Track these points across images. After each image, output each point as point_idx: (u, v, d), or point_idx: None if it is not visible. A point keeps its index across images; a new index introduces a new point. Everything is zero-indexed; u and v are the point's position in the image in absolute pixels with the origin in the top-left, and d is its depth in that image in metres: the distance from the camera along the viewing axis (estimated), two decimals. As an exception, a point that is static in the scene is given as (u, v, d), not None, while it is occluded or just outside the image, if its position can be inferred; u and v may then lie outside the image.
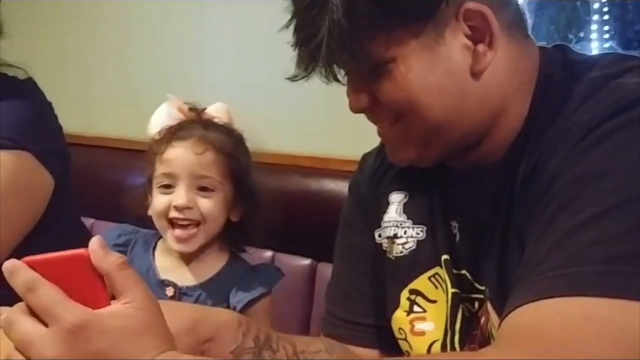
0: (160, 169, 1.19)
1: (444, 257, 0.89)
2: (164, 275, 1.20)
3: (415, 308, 0.91)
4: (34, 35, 2.11)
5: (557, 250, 0.66)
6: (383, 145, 0.94)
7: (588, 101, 0.74)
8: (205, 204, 1.17)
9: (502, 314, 0.69)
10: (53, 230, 1.28)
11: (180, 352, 0.65)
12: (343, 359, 0.96)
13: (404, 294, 0.92)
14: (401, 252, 0.93)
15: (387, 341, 0.95)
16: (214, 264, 1.22)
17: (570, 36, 1.60)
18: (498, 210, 0.82)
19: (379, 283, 0.96)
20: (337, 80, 0.82)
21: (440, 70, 0.79)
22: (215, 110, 1.25)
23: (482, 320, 0.86)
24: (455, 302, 0.88)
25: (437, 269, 0.90)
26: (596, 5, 1.57)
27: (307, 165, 1.62)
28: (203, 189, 1.17)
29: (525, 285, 0.66)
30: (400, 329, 0.92)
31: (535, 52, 0.85)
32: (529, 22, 1.48)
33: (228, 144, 1.20)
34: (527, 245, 0.72)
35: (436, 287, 0.90)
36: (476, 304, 0.87)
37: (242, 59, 1.86)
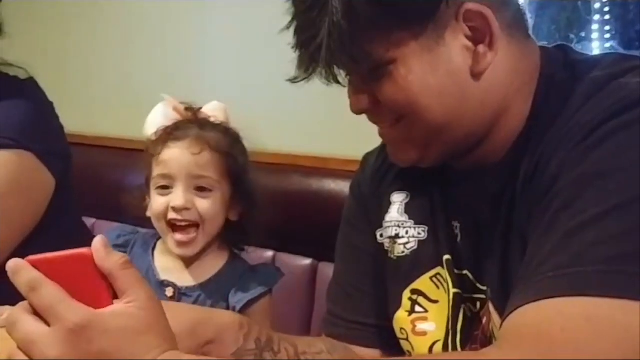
0: (157, 171, 1.18)
1: (446, 257, 0.89)
2: (163, 275, 1.20)
3: (417, 308, 0.91)
4: (34, 35, 2.11)
5: (558, 250, 0.66)
6: (384, 145, 0.94)
7: (590, 101, 0.74)
8: (204, 204, 1.16)
9: (503, 314, 0.69)
10: (54, 230, 1.28)
11: (182, 352, 0.65)
12: (344, 359, 0.96)
13: (406, 294, 0.92)
14: (403, 252, 0.93)
15: (389, 341, 0.95)
16: (214, 264, 1.22)
17: (572, 36, 1.60)
18: (499, 210, 0.82)
19: (380, 283, 0.96)
20: (338, 82, 0.82)
21: (441, 72, 0.79)
22: (212, 110, 1.24)
23: (484, 320, 0.86)
24: (457, 302, 0.88)
25: (438, 269, 0.90)
26: (597, 5, 1.57)
27: (308, 165, 1.62)
28: (201, 189, 1.17)
29: (527, 286, 0.66)
30: (401, 329, 0.92)
31: (536, 52, 0.85)
32: (530, 22, 1.48)
33: (225, 143, 1.19)
34: (529, 245, 0.72)
35: (438, 287, 0.90)
36: (478, 304, 0.87)
37: (242, 58, 1.86)
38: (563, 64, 0.83)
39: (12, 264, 0.63)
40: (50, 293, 0.62)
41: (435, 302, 0.90)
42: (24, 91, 1.31)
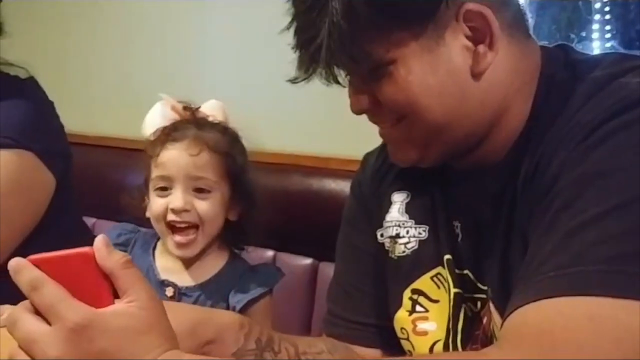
0: (155, 172, 1.18)
1: (447, 256, 0.89)
2: (164, 275, 1.20)
3: (418, 308, 0.91)
4: (35, 35, 2.11)
5: (559, 250, 0.66)
6: (385, 145, 0.94)
7: (590, 101, 0.74)
8: (203, 205, 1.16)
9: (504, 314, 0.69)
10: (54, 230, 1.28)
11: (183, 352, 0.65)
12: (345, 359, 0.96)
13: (406, 293, 0.92)
14: (403, 251, 0.93)
15: (389, 341, 0.95)
16: (214, 264, 1.22)
17: (572, 36, 1.60)
18: (500, 210, 0.82)
19: (381, 283, 0.96)
20: (338, 82, 0.82)
21: (441, 72, 0.79)
22: (210, 109, 1.24)
23: (485, 320, 0.86)
24: (458, 302, 0.88)
25: (439, 269, 0.90)
26: (598, 5, 1.57)
27: (309, 165, 1.62)
28: (200, 190, 1.17)
29: (528, 285, 0.66)
30: (402, 328, 0.92)
31: (537, 51, 0.85)
32: (531, 21, 1.48)
33: (223, 143, 1.19)
34: (529, 245, 0.72)
35: (438, 286, 0.90)
36: (478, 304, 0.87)
37: (242, 58, 1.86)
38: (564, 64, 0.83)
39: (14, 263, 0.63)
40: (51, 292, 0.62)
41: (436, 301, 0.90)
42: (24, 91, 1.32)
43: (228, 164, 1.19)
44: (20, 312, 0.63)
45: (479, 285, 0.87)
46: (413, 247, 0.92)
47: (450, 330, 0.89)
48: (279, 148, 1.65)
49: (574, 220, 0.66)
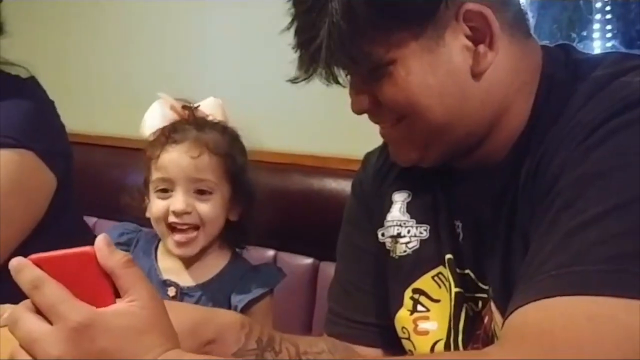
0: (156, 174, 1.18)
1: (448, 256, 0.89)
2: (166, 275, 1.20)
3: (419, 307, 0.91)
4: (35, 35, 2.11)
5: (560, 250, 0.66)
6: (386, 144, 0.94)
7: (591, 100, 0.74)
8: (204, 207, 1.16)
9: (505, 313, 0.69)
10: (55, 230, 1.28)
11: (184, 351, 0.65)
12: (346, 359, 0.96)
13: (408, 293, 0.92)
14: (405, 251, 0.93)
15: (390, 340, 0.95)
16: (215, 264, 1.22)
17: (573, 35, 1.60)
18: (501, 209, 0.82)
19: (382, 282, 0.96)
20: (338, 83, 0.82)
21: (441, 72, 0.79)
22: (209, 107, 1.23)
23: (486, 319, 0.86)
24: (459, 302, 0.88)
25: (440, 268, 0.90)
26: (598, 5, 1.57)
27: (309, 165, 1.62)
28: (201, 192, 1.17)
29: (529, 285, 0.66)
30: (403, 328, 0.92)
31: (538, 51, 0.85)
32: (531, 21, 1.48)
33: (223, 144, 1.19)
34: (530, 245, 0.72)
35: (440, 286, 0.90)
36: (480, 304, 0.87)
37: (243, 58, 1.86)
38: (564, 63, 0.83)
39: (15, 263, 0.63)
40: (52, 292, 0.62)
41: (437, 301, 0.90)
42: (25, 90, 1.32)
43: (228, 164, 1.19)
44: (21, 312, 0.63)
45: (480, 284, 0.87)
46: (414, 246, 0.92)
47: (452, 329, 0.89)
48: (279, 148, 1.65)
49: (575, 220, 0.66)
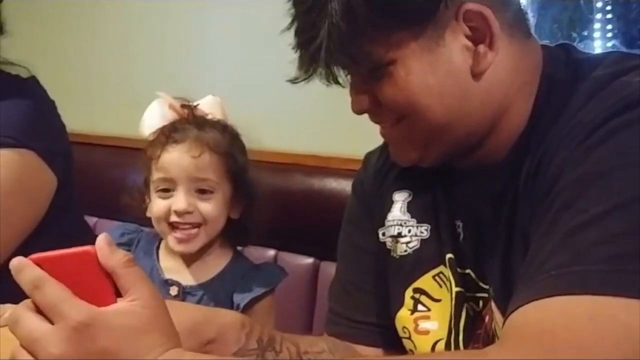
0: (157, 174, 1.17)
1: (448, 256, 0.89)
2: (167, 274, 1.20)
3: (420, 307, 0.91)
4: (35, 35, 2.11)
5: (560, 249, 0.66)
6: (386, 144, 0.94)
7: (592, 100, 0.74)
8: (206, 207, 1.16)
9: (505, 313, 0.69)
10: (56, 229, 1.28)
11: (185, 350, 0.65)
12: (346, 359, 0.96)
13: (408, 292, 0.92)
14: (405, 251, 0.93)
15: (391, 340, 0.95)
16: (217, 263, 1.22)
17: (574, 35, 1.60)
18: (502, 209, 0.82)
19: (382, 282, 0.97)
20: (338, 83, 0.82)
21: (441, 72, 0.79)
22: (208, 105, 1.23)
23: (487, 319, 0.86)
24: (460, 301, 0.88)
25: (441, 268, 0.90)
26: (599, 4, 1.57)
27: (310, 165, 1.62)
28: (202, 191, 1.16)
29: (529, 284, 0.66)
30: (404, 327, 0.92)
31: (538, 51, 0.85)
32: (532, 21, 1.48)
33: (224, 143, 1.19)
34: (531, 245, 0.72)
35: (440, 286, 0.90)
36: (480, 303, 0.87)
37: (243, 58, 1.86)
38: (565, 63, 0.83)
39: (16, 262, 0.63)
40: (53, 291, 0.62)
41: (438, 300, 0.90)
42: (25, 90, 1.32)
43: (229, 163, 1.19)
44: (22, 311, 0.63)
45: (481, 284, 0.87)
46: (415, 246, 0.92)
47: (452, 329, 0.89)
48: (280, 147, 1.65)
49: (575, 220, 0.66)
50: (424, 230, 0.92)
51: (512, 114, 0.82)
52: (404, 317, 0.92)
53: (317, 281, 1.53)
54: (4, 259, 1.10)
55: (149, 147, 1.20)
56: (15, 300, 0.65)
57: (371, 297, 0.99)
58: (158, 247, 1.24)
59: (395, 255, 0.94)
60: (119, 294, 0.63)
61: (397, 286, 0.94)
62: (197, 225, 1.17)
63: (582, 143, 0.71)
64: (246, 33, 1.84)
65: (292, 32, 0.81)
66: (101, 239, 0.64)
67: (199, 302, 1.16)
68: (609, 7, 1.57)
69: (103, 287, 0.63)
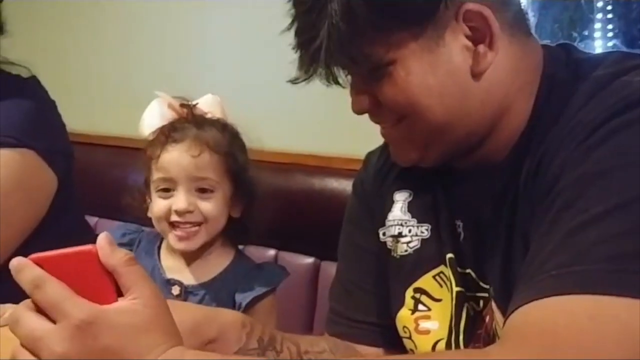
0: (157, 174, 1.18)
1: (449, 255, 0.89)
2: (169, 274, 1.20)
3: (420, 307, 0.91)
4: (35, 35, 2.11)
5: (560, 249, 0.66)
6: (387, 144, 0.94)
7: (592, 100, 0.74)
8: (206, 206, 1.16)
9: (506, 313, 0.69)
10: (56, 229, 1.28)
11: (186, 349, 0.65)
12: (347, 359, 0.96)
13: (409, 292, 0.92)
14: (406, 250, 0.93)
15: (392, 340, 0.95)
16: (219, 262, 1.22)
17: (574, 34, 1.60)
18: (502, 209, 0.82)
19: (383, 282, 0.97)
20: (338, 83, 0.82)
21: (441, 72, 0.79)
22: (208, 104, 1.23)
23: (487, 319, 0.86)
24: (460, 301, 0.88)
25: (441, 268, 0.90)
26: (600, 4, 1.57)
27: (311, 164, 1.62)
28: (202, 190, 1.17)
29: (529, 285, 0.66)
30: (404, 327, 0.92)
31: (538, 51, 0.85)
32: (533, 20, 1.48)
33: (223, 142, 1.19)
34: (531, 244, 0.72)
35: (441, 285, 0.90)
36: (481, 303, 0.87)
37: (243, 58, 1.86)
38: (565, 63, 0.83)
39: (15, 262, 0.63)
40: (54, 290, 0.62)
41: (438, 300, 0.90)
42: (26, 90, 1.32)
43: (229, 162, 1.19)
44: (22, 311, 0.63)
45: (481, 284, 0.87)
46: (415, 246, 0.92)
47: (453, 329, 0.89)
48: (281, 147, 1.65)
49: (575, 220, 0.66)
50: (424, 230, 0.92)
51: (512, 113, 0.82)
52: (404, 316, 0.92)
53: (317, 281, 1.53)
54: (4, 259, 1.10)
55: (148, 147, 1.20)
56: (15, 301, 0.65)
57: (372, 297, 0.99)
58: (159, 247, 1.24)
59: (395, 255, 0.94)
60: (120, 293, 0.63)
61: (397, 286, 0.94)
62: (198, 224, 1.17)
63: (583, 143, 0.70)
64: (246, 33, 1.84)
65: (292, 32, 0.81)
66: (102, 238, 0.64)
67: (200, 301, 1.16)
68: (609, 7, 1.56)
69: (104, 286, 0.63)
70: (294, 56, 0.82)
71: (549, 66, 0.83)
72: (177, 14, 1.97)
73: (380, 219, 0.97)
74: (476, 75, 0.80)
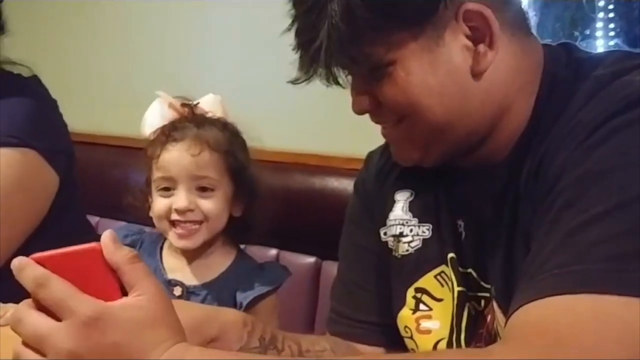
0: (157, 173, 1.18)
1: (450, 255, 0.89)
2: (171, 275, 1.20)
3: (421, 306, 0.91)
4: (35, 34, 2.12)
5: (561, 249, 0.66)
6: (388, 143, 0.94)
7: (593, 99, 0.74)
8: (207, 204, 1.16)
9: (507, 312, 0.69)
10: (58, 229, 1.28)
11: (191, 345, 0.65)
12: (348, 358, 0.96)
13: (410, 292, 0.92)
14: (407, 250, 0.93)
15: (393, 339, 0.96)
16: (221, 262, 1.22)
17: (576, 34, 1.59)
18: (503, 209, 0.82)
19: (384, 281, 0.97)
20: (338, 84, 0.82)
21: (441, 72, 0.79)
22: (209, 104, 1.23)
23: (488, 318, 0.86)
24: (461, 301, 0.88)
25: (443, 267, 0.90)
26: (601, 3, 1.57)
27: (312, 164, 1.62)
28: (203, 189, 1.17)
29: (530, 284, 0.66)
30: (406, 327, 0.92)
31: (539, 50, 0.85)
32: (534, 20, 1.47)
33: (224, 141, 1.19)
34: (532, 244, 0.72)
35: (442, 285, 0.90)
36: (482, 303, 0.87)
37: (243, 58, 1.86)
38: (566, 62, 0.83)
39: (17, 262, 0.63)
40: (60, 288, 0.62)
41: (440, 300, 0.90)
42: (27, 89, 1.32)
43: (229, 161, 1.19)
44: (24, 310, 0.63)
45: (483, 283, 0.87)
46: (417, 245, 0.92)
47: (454, 328, 0.89)
48: (281, 147, 1.65)
49: (576, 220, 0.66)
50: (425, 230, 0.92)
51: (512, 113, 0.82)
52: (405, 316, 0.92)
53: (319, 280, 1.53)
54: (6, 259, 1.11)
55: (149, 147, 1.20)
56: (17, 300, 0.65)
57: (373, 297, 0.99)
58: (162, 248, 1.24)
59: (396, 254, 0.94)
60: (124, 291, 0.63)
61: (398, 286, 0.94)
62: (199, 223, 1.17)
63: (583, 142, 0.70)
64: (247, 33, 1.84)
65: (292, 32, 0.81)
66: (106, 236, 0.64)
67: (202, 302, 1.16)
68: (611, 6, 1.56)
69: (108, 283, 0.63)
70: (294, 56, 0.82)
71: (549, 65, 0.83)
72: (178, 14, 1.97)
73: (382, 219, 0.97)
74: (476, 75, 0.80)
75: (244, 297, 1.17)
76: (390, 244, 0.95)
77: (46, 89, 1.36)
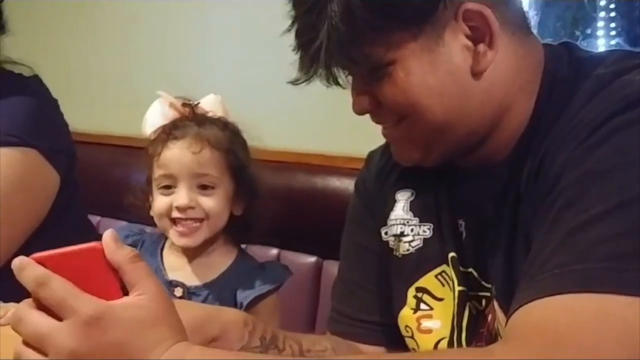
0: (158, 171, 1.18)
1: (451, 254, 0.89)
2: (172, 274, 1.21)
3: (422, 306, 0.91)
4: (36, 34, 2.12)
5: (562, 248, 0.66)
6: (389, 143, 0.94)
7: (594, 99, 0.74)
8: (208, 202, 1.16)
9: (508, 312, 0.69)
10: (59, 228, 1.28)
11: (192, 344, 0.65)
12: (349, 358, 0.96)
13: (411, 291, 0.92)
14: (408, 250, 0.93)
15: (394, 339, 0.96)
16: (222, 262, 1.22)
17: (577, 33, 1.59)
18: (504, 208, 0.82)
19: (385, 281, 0.97)
20: (338, 84, 0.82)
21: (441, 72, 0.79)
22: (210, 104, 1.23)
23: (489, 318, 0.86)
24: (462, 300, 0.88)
25: (444, 267, 0.90)
26: (603, 3, 1.56)
27: (313, 163, 1.62)
28: (203, 187, 1.17)
29: (531, 283, 0.66)
30: (406, 326, 0.92)
31: (539, 49, 0.85)
32: (535, 19, 1.47)
33: (224, 139, 1.19)
34: (533, 244, 0.72)
35: (443, 285, 0.90)
36: (483, 302, 0.87)
37: (243, 58, 1.86)
38: (567, 61, 0.83)
39: (18, 262, 0.63)
40: (61, 287, 0.62)
41: (441, 299, 0.90)
42: (28, 88, 1.32)
43: (230, 159, 1.19)
44: (25, 310, 0.63)
45: (483, 283, 0.87)
46: (417, 245, 0.92)
47: (455, 328, 0.89)
48: (283, 146, 1.65)
49: (576, 220, 0.66)
50: (426, 229, 0.92)
51: (513, 113, 0.82)
52: (406, 316, 0.92)
53: (320, 280, 1.53)
54: (6, 258, 1.11)
55: (150, 145, 1.20)
56: (18, 299, 0.65)
57: (374, 296, 0.99)
58: (162, 248, 1.24)
59: (397, 254, 0.94)
60: (125, 290, 0.64)
61: (399, 285, 0.94)
62: (200, 220, 1.17)
63: (584, 142, 0.70)
64: (247, 33, 1.84)
65: (292, 33, 0.81)
66: (107, 235, 0.64)
67: (203, 302, 1.16)
68: (612, 6, 1.56)
69: (109, 283, 0.63)
70: (294, 57, 0.82)
71: (550, 65, 0.83)
72: (178, 14, 1.97)
73: (382, 218, 0.97)
74: (476, 74, 0.80)
75: (244, 297, 1.17)
76: (391, 243, 0.96)
77: (47, 89, 1.36)
